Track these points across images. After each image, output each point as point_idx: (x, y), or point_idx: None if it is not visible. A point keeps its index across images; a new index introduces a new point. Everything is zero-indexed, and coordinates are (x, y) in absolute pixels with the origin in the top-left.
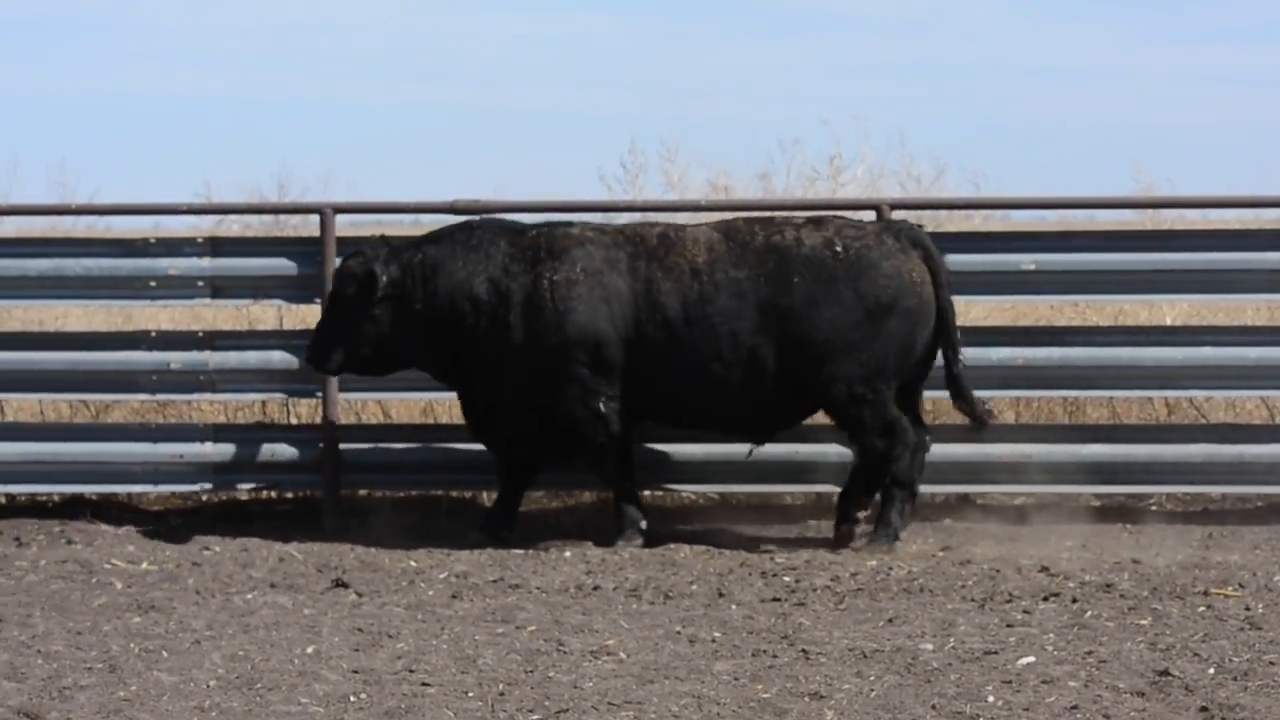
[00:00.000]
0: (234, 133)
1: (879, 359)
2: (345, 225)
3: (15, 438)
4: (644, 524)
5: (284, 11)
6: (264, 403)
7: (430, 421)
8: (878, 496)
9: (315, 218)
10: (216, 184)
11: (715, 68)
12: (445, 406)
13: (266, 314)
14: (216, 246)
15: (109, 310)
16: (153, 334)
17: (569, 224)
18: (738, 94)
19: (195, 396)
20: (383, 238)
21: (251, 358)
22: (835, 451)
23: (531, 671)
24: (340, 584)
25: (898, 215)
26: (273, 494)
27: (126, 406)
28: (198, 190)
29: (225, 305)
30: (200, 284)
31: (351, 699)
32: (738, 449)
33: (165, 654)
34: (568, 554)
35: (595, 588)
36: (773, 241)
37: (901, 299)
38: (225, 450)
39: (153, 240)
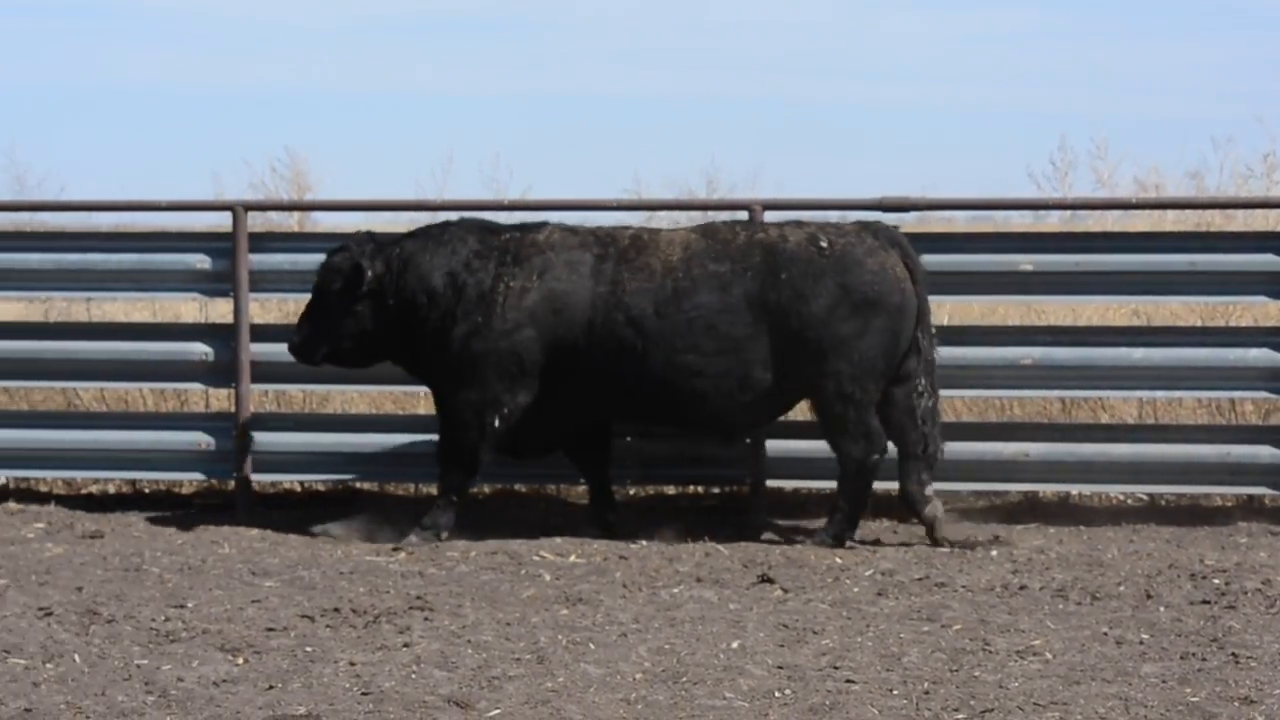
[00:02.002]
0: (664, 129)
1: (870, 356)
2: (773, 221)
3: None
4: (446, 535)
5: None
6: None
7: None
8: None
9: (744, 214)
10: (646, 180)
11: (1146, 64)
12: None
13: None
14: None
15: None
16: None
17: (542, 225)
18: (1169, 91)
19: None
20: (368, 234)
21: None
22: (1267, 453)
23: (956, 670)
24: (766, 579)
25: None
26: (699, 489)
27: None
28: (627, 186)
29: None
30: None
31: (776, 694)
32: (1169, 451)
33: (592, 646)
34: (994, 553)
35: (1021, 587)
36: (757, 238)
37: (887, 295)
38: (654, 447)
39: None
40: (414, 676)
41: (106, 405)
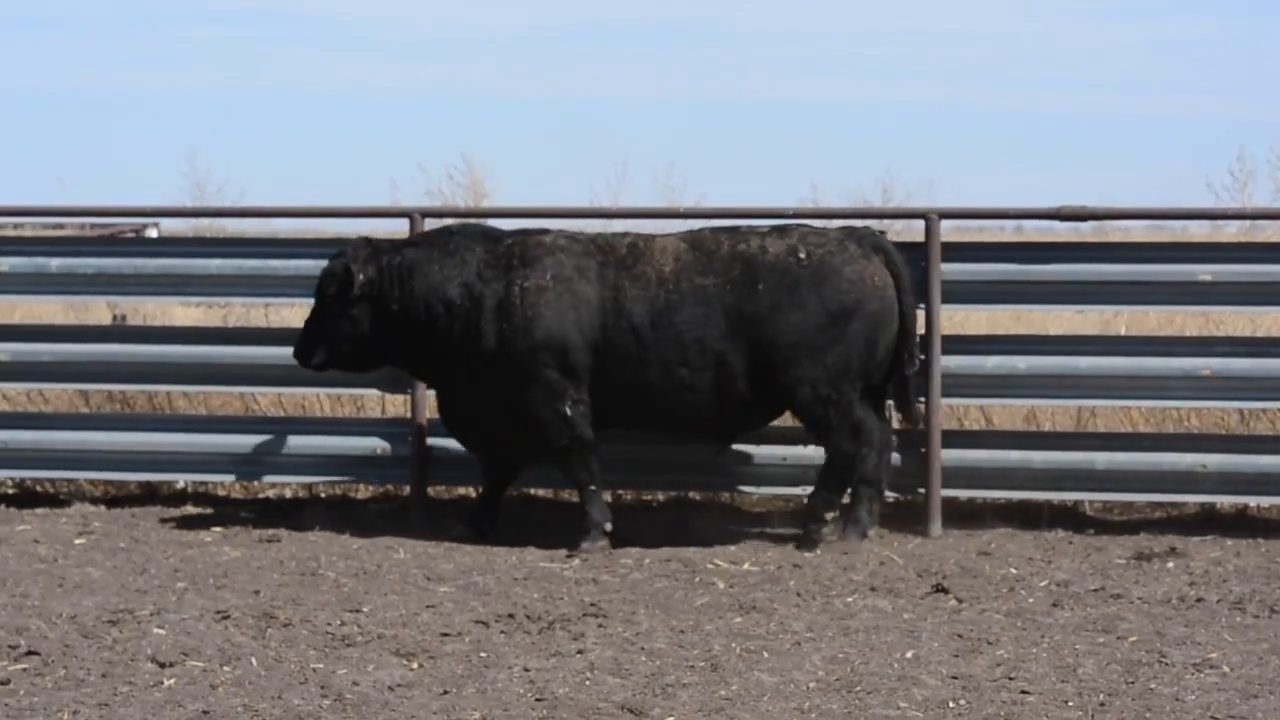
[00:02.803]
0: (840, 138)
1: (843, 361)
2: (949, 230)
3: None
4: (609, 526)
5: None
6: None
7: (1033, 429)
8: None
9: (919, 223)
10: (822, 188)
11: None
12: (1047, 414)
13: None
14: None
15: None
16: None
17: (544, 232)
18: None
19: None
20: (366, 239)
21: None
22: None
23: (1132, 683)
24: (940, 589)
25: None
26: None
27: None
28: (804, 195)
29: None
30: None
31: (950, 705)
32: None
33: (766, 654)
34: (1170, 565)
35: (1198, 600)
36: (738, 250)
37: (864, 303)
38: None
39: None
40: (588, 683)
41: (284, 410)
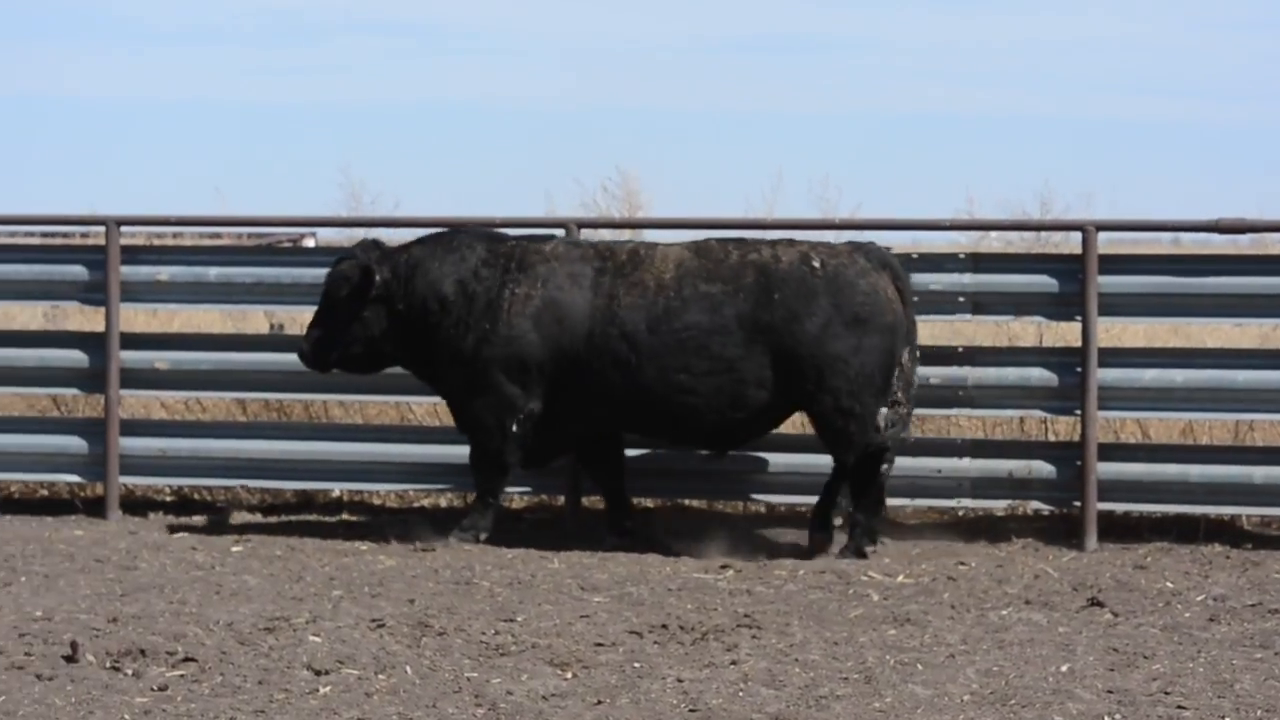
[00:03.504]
0: (998, 149)
1: (864, 373)
2: (1106, 243)
3: (786, 449)
4: (484, 536)
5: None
6: (1021, 419)
7: (1190, 442)
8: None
9: (1077, 235)
10: (979, 200)
11: None
12: (1205, 427)
13: (1026, 331)
14: (978, 262)
15: None
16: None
17: (548, 237)
18: None
19: (954, 411)
20: (374, 241)
21: (1010, 374)
22: None
23: None
24: (1096, 603)
25: None
26: (1029, 510)
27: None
28: (960, 206)
29: (985, 321)
30: (961, 299)
31: (1105, 719)
32: None
33: (920, 667)
34: None
35: None
36: (750, 258)
37: (879, 315)
38: (982, 466)
39: (915, 255)
40: (741, 694)
41: (439, 420)
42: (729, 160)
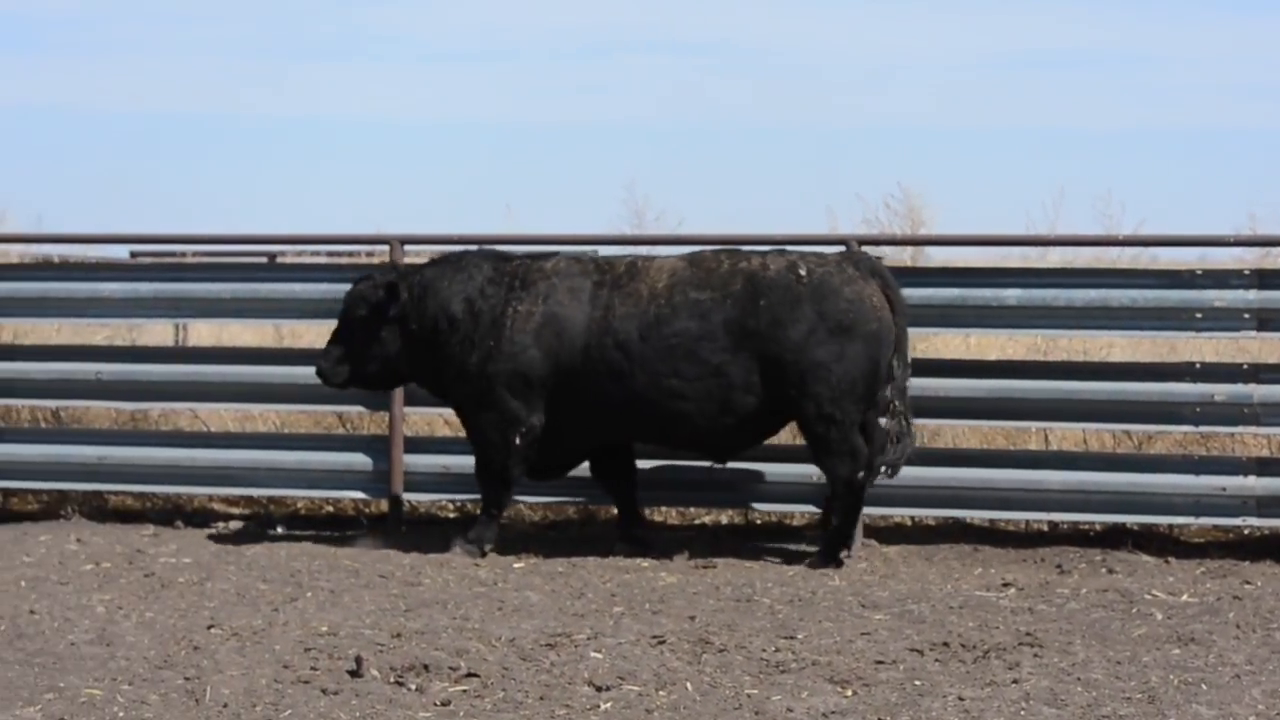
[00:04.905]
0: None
1: (847, 380)
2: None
3: (1059, 465)
4: (489, 547)
5: None
6: None
7: None
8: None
9: None
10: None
11: None
12: None
13: None
14: (1263, 279)
15: (1153, 341)
16: (1197, 365)
17: (550, 255)
18: None
19: (1239, 429)
20: (391, 264)
21: None
22: None
23: None
24: None
25: None
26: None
27: (1169, 438)
28: (1242, 222)
29: (1271, 337)
30: (1246, 316)
31: None
32: None
33: (1204, 687)
34: None
35: None
36: (739, 267)
37: (862, 323)
38: (1268, 484)
39: (1199, 271)
40: (1023, 713)
41: None
42: (1012, 176)
